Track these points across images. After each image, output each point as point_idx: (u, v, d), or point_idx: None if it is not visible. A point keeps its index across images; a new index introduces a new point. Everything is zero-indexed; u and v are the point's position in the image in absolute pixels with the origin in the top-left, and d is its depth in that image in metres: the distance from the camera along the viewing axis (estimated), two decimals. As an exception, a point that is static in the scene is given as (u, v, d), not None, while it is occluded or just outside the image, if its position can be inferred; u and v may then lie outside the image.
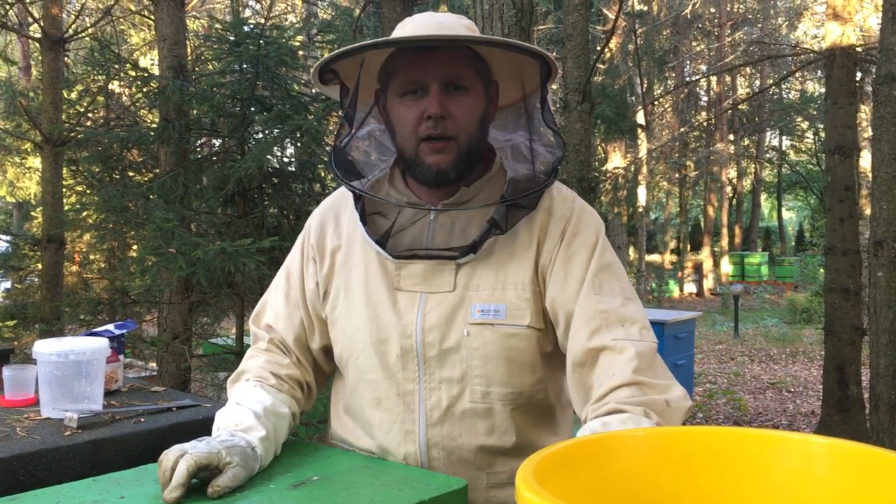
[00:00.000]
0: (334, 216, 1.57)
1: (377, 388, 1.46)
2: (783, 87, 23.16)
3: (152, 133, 5.03)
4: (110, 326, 1.86)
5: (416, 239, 1.46)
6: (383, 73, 1.48)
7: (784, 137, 28.69)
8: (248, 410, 1.34)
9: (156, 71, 5.78)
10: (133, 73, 5.61)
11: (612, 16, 13.73)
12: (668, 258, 23.69)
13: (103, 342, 1.68)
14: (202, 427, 1.56)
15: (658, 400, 1.24)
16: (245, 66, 4.65)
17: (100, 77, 7.31)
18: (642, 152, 17.17)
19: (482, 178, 1.49)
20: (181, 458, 1.16)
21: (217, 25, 5.03)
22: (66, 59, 7.91)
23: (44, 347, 1.61)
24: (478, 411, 1.41)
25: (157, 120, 5.59)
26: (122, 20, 10.98)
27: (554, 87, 6.62)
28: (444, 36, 1.39)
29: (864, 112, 12.35)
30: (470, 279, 1.42)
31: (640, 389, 1.26)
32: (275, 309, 1.57)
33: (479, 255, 1.43)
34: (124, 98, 7.90)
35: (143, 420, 1.59)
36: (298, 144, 4.91)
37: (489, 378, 1.40)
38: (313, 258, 1.56)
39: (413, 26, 1.45)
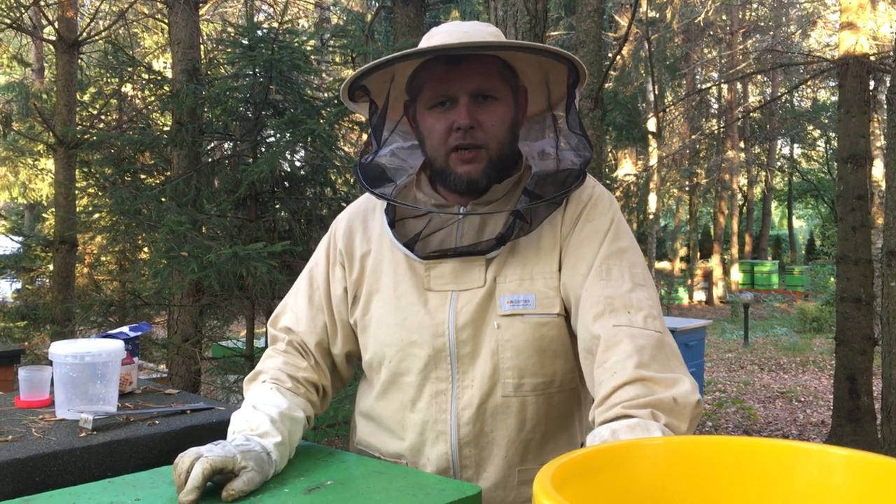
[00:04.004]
0: (362, 221, 1.58)
1: (411, 390, 1.46)
2: (795, 95, 23.09)
3: (165, 136, 5.06)
4: (125, 328, 1.87)
5: (444, 240, 1.46)
6: (411, 84, 1.48)
7: (795, 146, 28.61)
8: (264, 415, 1.34)
9: (169, 74, 5.82)
10: (146, 77, 5.65)
11: (624, 23, 13.73)
12: (678, 266, 23.60)
13: (118, 344, 1.69)
14: (216, 430, 1.57)
15: (665, 398, 1.19)
16: (258, 70, 4.67)
17: (113, 80, 7.37)
18: (653, 159, 17.14)
19: (510, 178, 1.49)
20: (197, 461, 1.16)
21: (230, 29, 5.05)
22: (79, 61, 7.96)
23: (59, 349, 1.61)
24: (510, 405, 1.41)
25: (169, 123, 5.62)
26: (135, 23, 11.03)
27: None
28: (472, 43, 1.39)
29: (877, 121, 12.30)
30: (498, 273, 1.42)
31: (646, 387, 1.21)
32: (296, 312, 1.56)
33: (507, 250, 1.43)
34: (137, 101, 7.95)
35: (157, 422, 1.59)
36: (310, 148, 4.92)
37: (521, 369, 1.40)
38: (341, 263, 1.56)
39: (440, 37, 1.45)
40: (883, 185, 4.82)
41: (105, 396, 1.63)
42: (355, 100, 1.53)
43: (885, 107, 4.88)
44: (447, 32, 1.46)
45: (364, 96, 1.51)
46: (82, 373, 1.60)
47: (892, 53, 4.92)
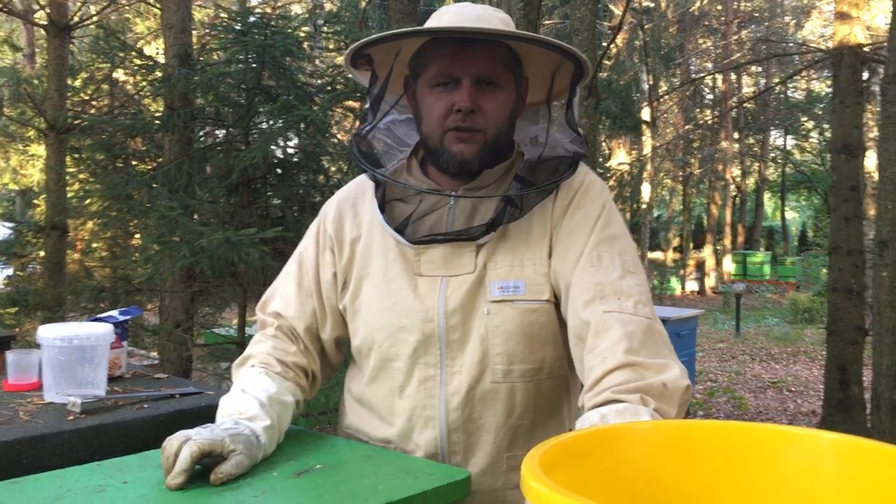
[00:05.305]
0: (352, 206, 1.57)
1: (400, 375, 1.45)
2: (789, 85, 23.10)
3: (157, 121, 5.03)
4: (114, 312, 1.86)
5: (435, 225, 1.46)
6: (415, 61, 1.48)
7: (789, 137, 28.64)
8: (252, 399, 1.33)
9: (161, 59, 5.77)
10: (138, 62, 5.60)
11: (619, 12, 13.70)
12: (671, 256, 23.66)
13: (107, 328, 1.67)
14: (205, 414, 1.56)
15: (654, 383, 1.19)
16: (251, 55, 4.64)
17: (105, 65, 7.31)
18: (647, 149, 17.14)
19: (502, 163, 1.49)
20: (185, 444, 1.15)
21: (223, 14, 5.01)
22: (71, 46, 7.90)
23: (48, 332, 1.60)
24: (498, 392, 1.41)
25: (160, 108, 5.58)
26: (127, 8, 10.95)
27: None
28: (484, 29, 1.39)
29: (871, 112, 12.32)
30: (489, 259, 1.42)
31: (635, 372, 1.20)
32: (285, 297, 1.55)
33: (498, 236, 1.42)
34: (129, 86, 7.89)
35: (146, 406, 1.58)
36: (303, 135, 4.90)
37: (510, 356, 1.40)
38: (331, 248, 1.55)
39: (450, 17, 1.44)
40: (876, 175, 4.83)
41: (94, 380, 1.62)
42: (357, 66, 1.52)
43: (879, 97, 4.88)
44: (458, 14, 1.45)
45: (366, 65, 1.51)
46: (71, 356, 1.59)
47: (885, 44, 4.91)
